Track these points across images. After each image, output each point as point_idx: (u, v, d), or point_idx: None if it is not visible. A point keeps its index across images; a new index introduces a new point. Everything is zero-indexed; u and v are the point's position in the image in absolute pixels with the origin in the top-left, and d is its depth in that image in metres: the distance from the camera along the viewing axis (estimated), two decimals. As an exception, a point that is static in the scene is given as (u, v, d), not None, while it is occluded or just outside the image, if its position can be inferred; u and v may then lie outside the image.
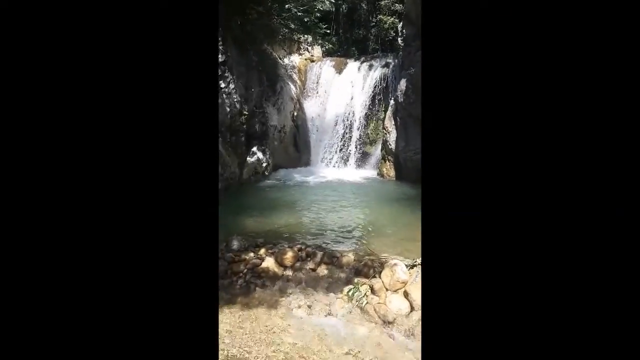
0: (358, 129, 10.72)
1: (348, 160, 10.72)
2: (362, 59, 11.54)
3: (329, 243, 4.50)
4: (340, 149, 10.78)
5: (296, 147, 10.49)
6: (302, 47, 11.83)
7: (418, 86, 8.48)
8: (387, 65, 10.92)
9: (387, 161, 9.76)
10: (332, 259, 3.72)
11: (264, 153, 8.19)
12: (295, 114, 10.50)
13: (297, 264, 3.65)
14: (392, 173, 9.58)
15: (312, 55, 12.17)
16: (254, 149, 8.08)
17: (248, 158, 7.89)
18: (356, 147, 10.73)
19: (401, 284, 3.22)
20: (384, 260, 3.63)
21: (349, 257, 3.75)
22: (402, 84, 9.13)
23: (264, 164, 8.17)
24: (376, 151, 10.51)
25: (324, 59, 11.95)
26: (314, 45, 12.30)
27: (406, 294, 3.12)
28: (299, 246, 3.88)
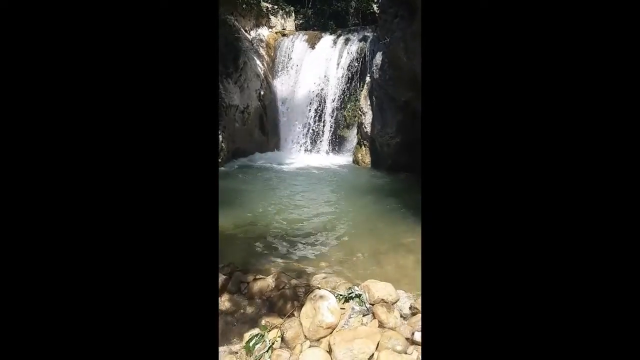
0: (332, 110, 9.40)
1: (321, 145, 9.44)
2: (339, 32, 10.12)
3: (248, 256, 3.27)
4: (313, 133, 9.48)
5: (262, 129, 9.16)
6: (270, 20, 10.35)
7: (394, 60, 7.16)
8: (364, 39, 9.52)
9: (362, 146, 8.50)
10: (238, 285, 2.49)
11: (215, 136, 6.87)
12: (262, 92, 9.13)
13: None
14: (368, 159, 8.33)
15: (284, 29, 10.72)
16: (203, 131, 6.74)
17: (195, 142, 6.56)
18: (330, 131, 9.43)
19: (325, 330, 2.01)
20: (312, 287, 2.40)
21: (265, 282, 2.51)
22: (378, 58, 7.80)
23: (216, 149, 6.86)
24: (352, 136, 9.24)
25: (297, 33, 10.50)
26: (286, 17, 10.83)
27: (330, 349, 1.91)
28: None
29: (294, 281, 2.53)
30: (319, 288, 2.31)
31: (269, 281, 2.49)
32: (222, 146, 7.08)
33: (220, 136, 6.95)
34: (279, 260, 3.17)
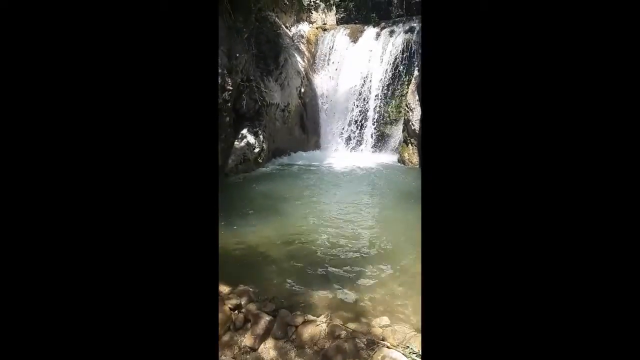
0: (376, 106, 8.79)
1: (363, 143, 8.87)
2: (382, 24, 9.43)
3: (293, 285, 2.82)
4: (354, 130, 8.93)
5: (303, 128, 8.74)
6: (311, 14, 9.86)
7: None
8: (411, 30, 8.80)
9: (409, 144, 7.84)
10: (285, 329, 2.05)
11: (256, 136, 6.48)
12: (302, 90, 8.69)
13: (226, 336, 2.01)
14: (416, 159, 7.66)
15: (324, 24, 10.20)
16: (244, 131, 6.40)
17: (235, 143, 6.24)
18: (373, 128, 8.84)
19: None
20: (376, 342, 1.90)
21: (317, 328, 2.05)
22: (429, 50, 7.07)
23: (256, 149, 6.47)
24: (397, 132, 8.58)
25: (338, 27, 9.94)
26: (327, 12, 10.29)
27: None
28: (232, 302, 2.22)
29: (351, 325, 2.05)
30: (386, 345, 1.82)
31: (322, 326, 2.03)
32: (262, 146, 6.71)
33: (261, 136, 6.59)
34: (327, 293, 2.69)
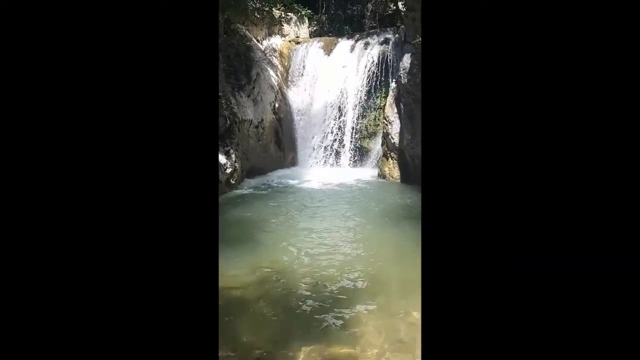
0: (353, 119, 8.44)
1: (342, 158, 8.48)
2: (357, 36, 9.19)
3: (272, 341, 2.29)
4: (332, 145, 8.53)
5: (279, 144, 8.26)
6: (283, 28, 9.50)
7: (426, 61, 6.20)
8: (386, 41, 8.57)
9: (389, 158, 7.49)
10: None
11: (227, 155, 5.92)
12: (277, 105, 8.24)
13: None
14: (397, 173, 7.31)
15: (297, 37, 9.85)
16: (214, 151, 5.85)
17: (205, 164, 5.67)
18: (351, 142, 8.47)
19: None
20: None
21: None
22: (406, 60, 6.81)
23: (228, 170, 5.91)
24: (376, 146, 8.24)
25: (311, 40, 9.62)
26: (300, 25, 9.97)
27: None
28: None
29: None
30: None
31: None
32: (235, 166, 6.16)
33: (233, 155, 6.05)
34: (312, 350, 2.19)
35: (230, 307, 2.71)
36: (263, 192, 6.37)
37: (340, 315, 2.63)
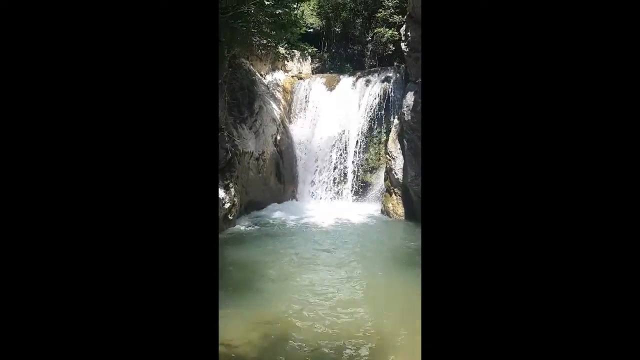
0: (355, 154, 8.30)
1: (344, 192, 8.23)
2: (358, 74, 9.26)
3: None
4: (334, 179, 8.31)
5: (279, 177, 8.02)
6: (287, 63, 9.57)
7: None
8: (387, 79, 8.63)
9: (392, 194, 7.26)
10: None
11: (226, 189, 5.63)
12: (278, 137, 8.10)
13: None
14: (401, 210, 7.05)
15: (300, 72, 9.92)
16: (214, 184, 5.56)
17: (204, 197, 5.36)
18: (353, 177, 8.27)
19: None
20: None
21: None
22: (409, 98, 6.77)
23: (227, 205, 5.59)
24: (378, 180, 8.05)
25: (313, 76, 9.69)
26: (303, 61, 10.08)
27: None
28: None
29: None
30: None
31: None
32: (234, 201, 5.86)
33: (232, 189, 5.76)
34: None
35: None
36: (263, 230, 5.92)
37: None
